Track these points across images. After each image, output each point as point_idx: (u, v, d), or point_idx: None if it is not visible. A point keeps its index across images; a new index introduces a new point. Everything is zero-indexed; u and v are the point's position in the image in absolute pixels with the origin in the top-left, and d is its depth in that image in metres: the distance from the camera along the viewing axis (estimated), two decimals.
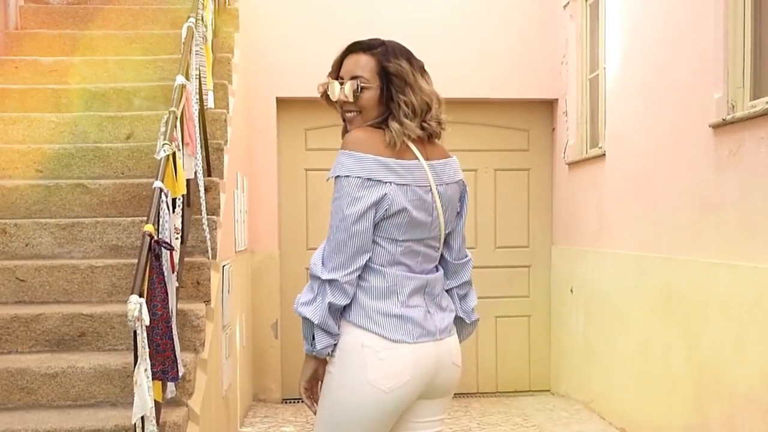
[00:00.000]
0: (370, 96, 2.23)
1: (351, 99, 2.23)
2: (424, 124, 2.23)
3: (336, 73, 2.29)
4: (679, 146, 4.51)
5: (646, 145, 4.95)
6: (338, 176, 2.14)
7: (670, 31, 4.63)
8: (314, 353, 2.19)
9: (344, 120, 2.33)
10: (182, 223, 3.58)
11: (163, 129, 3.37)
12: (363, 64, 2.24)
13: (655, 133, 4.85)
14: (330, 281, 2.13)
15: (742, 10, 3.95)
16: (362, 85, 2.22)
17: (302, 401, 2.33)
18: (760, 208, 3.66)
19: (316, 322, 2.13)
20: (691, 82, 4.37)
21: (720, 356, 4.00)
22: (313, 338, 2.16)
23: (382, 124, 2.23)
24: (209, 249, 4.04)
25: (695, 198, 4.30)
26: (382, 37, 2.31)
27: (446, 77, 6.63)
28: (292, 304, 2.24)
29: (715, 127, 4.06)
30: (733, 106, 3.98)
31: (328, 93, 2.28)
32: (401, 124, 2.19)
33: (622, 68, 5.37)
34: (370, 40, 2.30)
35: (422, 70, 2.29)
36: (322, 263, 2.15)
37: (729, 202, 3.95)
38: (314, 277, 2.15)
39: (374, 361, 2.16)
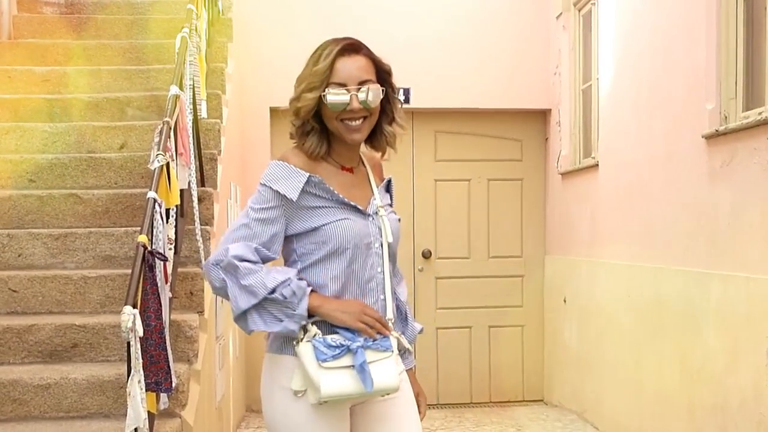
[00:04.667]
0: (379, 99, 2.08)
1: (376, 105, 2.06)
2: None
3: (326, 81, 2.03)
4: (672, 157, 4.52)
5: (639, 155, 4.97)
6: None
7: (663, 42, 4.65)
8: None
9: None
10: (176, 233, 3.57)
11: (156, 139, 3.37)
12: (365, 67, 2.06)
13: (648, 143, 4.86)
14: None
15: (734, 21, 3.97)
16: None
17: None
18: (753, 219, 3.67)
19: None
20: (683, 93, 4.38)
21: (713, 367, 4.00)
22: None
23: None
24: (202, 259, 4.04)
25: (688, 208, 4.32)
26: (376, 49, 2.14)
27: (440, 88, 6.72)
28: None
29: (708, 138, 4.07)
30: (726, 117, 3.99)
31: (330, 104, 2.02)
32: (401, 126, 2.15)
33: (615, 79, 5.39)
34: (351, 39, 2.10)
35: None
36: None
37: (722, 212, 3.96)
38: None
39: None
